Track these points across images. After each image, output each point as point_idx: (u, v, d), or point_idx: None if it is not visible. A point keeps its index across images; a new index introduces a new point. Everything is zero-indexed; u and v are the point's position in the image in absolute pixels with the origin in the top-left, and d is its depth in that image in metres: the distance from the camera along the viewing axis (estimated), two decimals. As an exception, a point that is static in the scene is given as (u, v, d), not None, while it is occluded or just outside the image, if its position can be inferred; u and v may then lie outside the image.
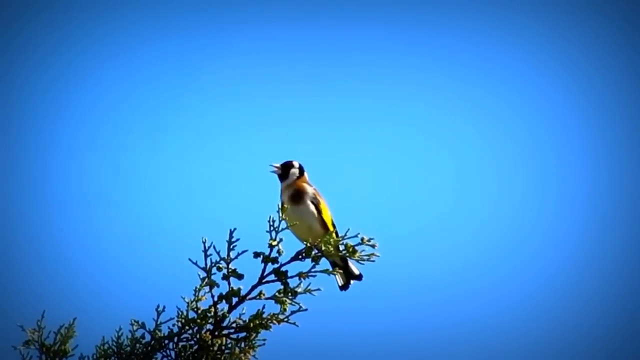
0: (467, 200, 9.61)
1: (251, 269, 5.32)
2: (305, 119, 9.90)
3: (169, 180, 9.31)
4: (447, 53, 9.99)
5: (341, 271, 5.72)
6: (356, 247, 5.35)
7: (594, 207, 9.45)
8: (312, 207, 5.95)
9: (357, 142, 9.72)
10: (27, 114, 9.51)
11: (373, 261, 5.37)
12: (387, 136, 9.96)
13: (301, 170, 6.11)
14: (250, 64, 10.01)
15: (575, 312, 8.62)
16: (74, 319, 5.22)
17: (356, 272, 5.91)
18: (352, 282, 5.92)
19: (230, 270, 5.29)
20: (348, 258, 5.43)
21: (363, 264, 5.38)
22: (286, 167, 6.09)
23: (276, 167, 6.08)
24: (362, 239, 5.35)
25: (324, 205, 5.99)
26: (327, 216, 5.96)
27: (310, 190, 6.01)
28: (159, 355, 5.24)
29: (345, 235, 5.36)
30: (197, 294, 5.27)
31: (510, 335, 8.26)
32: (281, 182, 6.08)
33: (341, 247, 5.39)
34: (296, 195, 5.97)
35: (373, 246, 5.35)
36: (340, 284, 5.90)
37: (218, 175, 8.85)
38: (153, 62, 9.98)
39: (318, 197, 6.00)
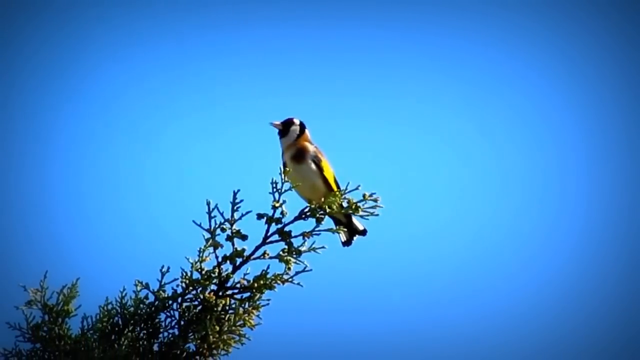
0: (466, 200, 9.64)
1: (255, 230, 5.31)
2: (305, 119, 9.88)
3: (175, 147, 9.32)
4: (446, 53, 10.02)
5: (345, 229, 5.70)
6: (359, 204, 5.33)
7: (594, 207, 9.48)
8: (314, 166, 5.93)
9: (356, 142, 9.69)
10: (27, 112, 9.48)
11: (377, 215, 5.34)
12: (386, 136, 9.97)
13: (302, 127, 6.06)
14: (250, 63, 9.98)
15: (575, 312, 8.68)
16: (77, 279, 5.20)
17: (360, 227, 5.92)
18: (355, 238, 5.92)
19: (234, 231, 5.26)
20: (352, 214, 5.40)
21: (367, 219, 5.36)
22: (287, 124, 6.05)
23: (276, 124, 6.03)
24: (364, 195, 5.32)
25: (325, 163, 5.96)
26: (329, 173, 5.94)
27: (311, 148, 5.99)
28: (162, 316, 5.23)
29: (346, 189, 5.33)
30: (201, 254, 5.25)
31: (511, 335, 8.34)
32: (281, 139, 6.04)
33: (344, 204, 5.36)
34: (298, 155, 5.94)
35: (375, 200, 5.33)
36: (343, 240, 5.90)
37: (222, 141, 8.87)
38: (151, 61, 9.95)
39: (319, 155, 5.98)
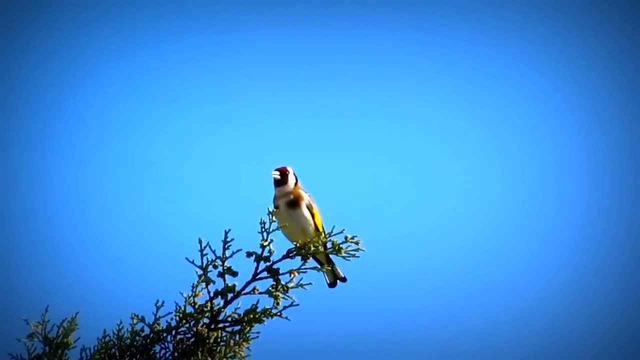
0: (466, 200, 9.68)
1: (245, 266, 5.61)
2: (304, 119, 10.05)
3: (168, 181, 9.47)
4: (446, 53, 10.04)
5: (330, 268, 6.01)
6: (342, 245, 5.66)
7: (595, 207, 9.49)
8: (307, 213, 6.24)
9: (357, 142, 9.84)
10: (27, 113, 9.69)
11: (358, 257, 5.67)
12: (386, 136, 10.04)
13: (296, 177, 6.40)
14: (251, 63, 10.15)
15: (575, 311, 8.70)
16: (77, 313, 5.47)
17: (341, 274, 6.21)
18: (338, 282, 6.22)
19: (225, 267, 5.58)
20: (335, 255, 5.73)
21: (349, 260, 5.68)
22: (284, 174, 6.37)
23: (276, 175, 6.35)
24: (345, 237, 5.66)
25: (316, 211, 6.28)
26: (319, 221, 6.26)
27: (306, 197, 6.31)
28: (157, 348, 5.50)
29: (332, 232, 5.67)
30: (194, 289, 5.55)
31: (511, 335, 8.37)
32: (276, 187, 6.36)
33: (328, 245, 5.69)
34: (294, 202, 6.26)
35: (357, 243, 5.66)
36: (328, 282, 6.20)
37: (214, 177, 9.02)
38: (151, 61, 10.13)
39: (312, 203, 6.30)
